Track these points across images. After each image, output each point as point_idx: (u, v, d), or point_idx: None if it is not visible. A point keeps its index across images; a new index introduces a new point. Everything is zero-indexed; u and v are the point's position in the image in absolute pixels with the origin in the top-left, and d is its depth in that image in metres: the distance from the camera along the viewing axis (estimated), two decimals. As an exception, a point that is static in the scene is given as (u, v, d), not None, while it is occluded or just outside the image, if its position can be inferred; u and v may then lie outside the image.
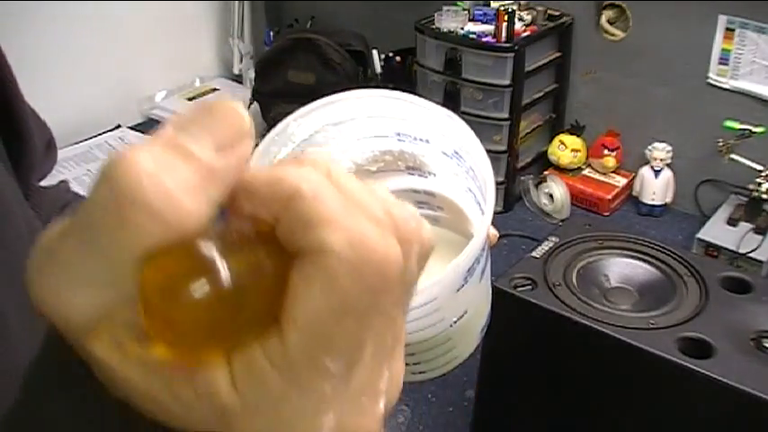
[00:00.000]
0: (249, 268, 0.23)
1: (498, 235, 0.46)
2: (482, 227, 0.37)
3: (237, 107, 0.25)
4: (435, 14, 2.08)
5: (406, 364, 0.43)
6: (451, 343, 0.44)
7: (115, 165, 0.22)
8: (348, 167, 0.43)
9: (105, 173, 0.22)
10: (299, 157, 0.27)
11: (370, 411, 0.25)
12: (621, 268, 1.26)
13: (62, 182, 0.73)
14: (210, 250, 0.22)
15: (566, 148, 2.18)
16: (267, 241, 0.24)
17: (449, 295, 0.38)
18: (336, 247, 0.23)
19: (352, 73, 2.23)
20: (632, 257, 1.26)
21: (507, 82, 1.99)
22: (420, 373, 0.45)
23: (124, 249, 0.22)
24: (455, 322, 0.41)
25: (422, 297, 0.37)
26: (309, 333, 0.23)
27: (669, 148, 2.03)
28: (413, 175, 0.45)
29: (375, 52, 2.31)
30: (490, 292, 0.46)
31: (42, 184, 0.69)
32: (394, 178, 0.45)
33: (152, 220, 0.22)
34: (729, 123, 1.88)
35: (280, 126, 0.41)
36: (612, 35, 2.08)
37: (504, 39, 1.97)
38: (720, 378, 1.00)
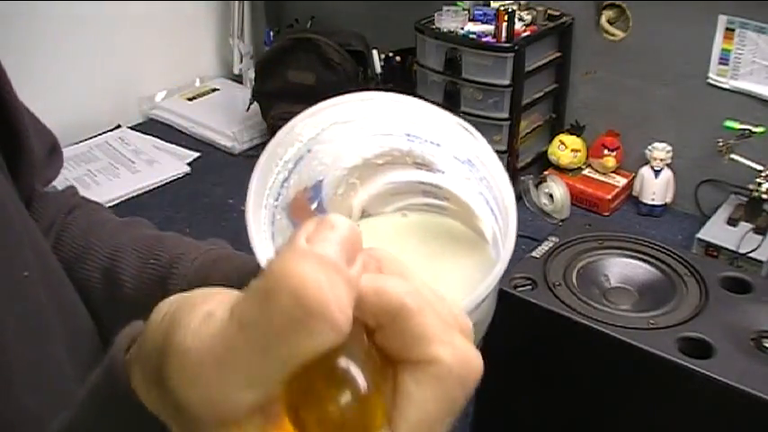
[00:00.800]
0: (373, 376, 0.26)
1: None
2: (505, 255, 0.38)
3: (348, 222, 0.28)
4: (435, 14, 2.08)
5: None
6: None
7: (292, 277, 0.25)
8: (355, 162, 0.43)
9: (282, 284, 0.25)
10: (375, 251, 0.29)
11: None
12: (621, 268, 1.26)
13: (69, 187, 0.73)
14: (348, 363, 0.25)
15: (566, 148, 2.18)
16: (373, 345, 0.27)
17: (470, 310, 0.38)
18: (447, 361, 0.27)
19: (352, 73, 2.23)
20: (632, 257, 1.26)
21: (507, 82, 1.99)
22: None
23: (297, 357, 0.25)
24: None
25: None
26: (418, 430, 0.26)
27: (669, 148, 2.03)
28: (420, 169, 0.44)
29: (375, 52, 2.31)
30: (496, 299, 0.46)
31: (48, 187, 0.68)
32: (400, 171, 0.45)
33: (330, 328, 0.25)
34: (729, 123, 1.88)
35: (286, 128, 0.41)
36: (612, 35, 2.08)
37: (504, 39, 1.97)
38: (720, 378, 1.00)
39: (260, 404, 0.25)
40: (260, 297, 0.25)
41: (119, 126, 2.40)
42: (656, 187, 2.06)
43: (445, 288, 0.37)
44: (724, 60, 1.91)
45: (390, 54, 2.34)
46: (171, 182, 2.14)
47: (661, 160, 2.04)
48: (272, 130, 2.13)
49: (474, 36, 2.01)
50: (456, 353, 0.27)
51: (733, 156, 1.89)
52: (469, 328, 0.29)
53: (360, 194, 0.45)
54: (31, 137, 0.59)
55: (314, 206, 0.44)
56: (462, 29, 2.04)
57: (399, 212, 0.48)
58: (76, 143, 2.22)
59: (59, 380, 0.52)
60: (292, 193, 0.42)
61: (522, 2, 2.10)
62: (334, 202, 0.45)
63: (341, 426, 0.24)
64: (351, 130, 0.40)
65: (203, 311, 0.26)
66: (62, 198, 0.70)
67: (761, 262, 1.74)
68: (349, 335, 0.26)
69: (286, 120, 0.42)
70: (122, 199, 2.04)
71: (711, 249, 1.81)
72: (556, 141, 2.19)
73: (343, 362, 0.25)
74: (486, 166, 0.40)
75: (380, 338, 0.28)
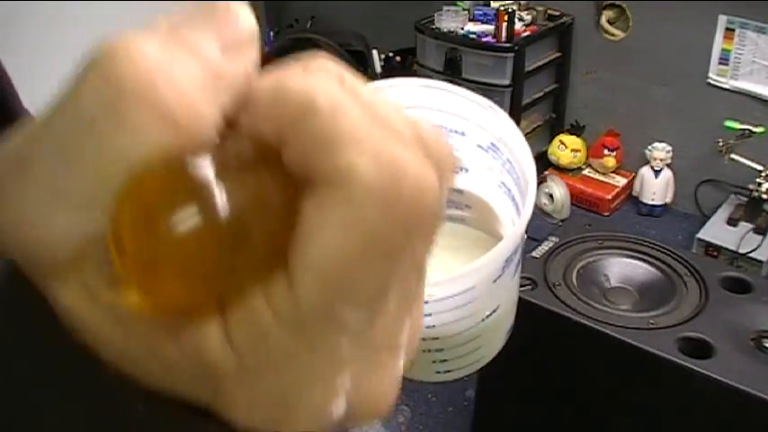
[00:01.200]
0: (251, 198, 0.18)
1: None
2: (523, 217, 0.35)
3: (243, 8, 0.20)
4: (435, 14, 2.08)
5: (433, 362, 0.42)
6: (480, 340, 0.42)
7: (111, 53, 0.18)
8: None
9: (97, 63, 0.18)
10: (306, 60, 0.21)
11: (390, 369, 0.21)
12: (621, 268, 1.25)
13: None
14: (206, 173, 0.18)
15: (566, 148, 2.18)
16: (272, 167, 0.19)
17: (487, 285, 0.36)
18: (362, 170, 0.18)
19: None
20: (632, 257, 1.26)
21: (507, 82, 1.99)
22: (445, 372, 0.43)
23: (120, 159, 0.17)
24: (488, 316, 0.39)
25: (460, 283, 0.35)
26: (326, 278, 0.18)
27: (669, 148, 2.03)
28: None
29: (375, 52, 2.31)
30: (518, 292, 0.45)
31: None
32: None
33: (161, 121, 0.17)
34: (729, 123, 1.88)
35: None
36: (612, 35, 2.08)
37: (504, 39, 1.97)
38: (720, 378, 1.00)
39: (84, 235, 0.18)
40: (75, 89, 0.18)
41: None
42: (656, 187, 2.06)
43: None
44: (724, 60, 1.91)
45: (390, 54, 2.34)
46: (171, 182, 2.14)
47: (661, 160, 2.04)
48: (272, 130, 2.13)
49: (474, 36, 2.01)
50: (381, 161, 0.18)
51: (733, 156, 1.89)
52: (443, 147, 0.20)
53: None
54: None
55: None
56: (462, 29, 2.04)
57: None
58: (76, 143, 2.22)
59: None
60: None
61: (522, 2, 2.10)
62: None
63: (180, 264, 0.17)
64: None
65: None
66: None
67: (761, 262, 1.74)
68: (226, 153, 0.18)
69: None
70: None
71: (711, 249, 1.81)
72: (556, 141, 2.19)
73: (193, 175, 0.17)
74: (509, 146, 0.38)
75: (288, 159, 0.19)
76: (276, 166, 0.19)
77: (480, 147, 0.40)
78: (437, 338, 0.40)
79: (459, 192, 0.44)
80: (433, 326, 0.38)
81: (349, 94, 0.19)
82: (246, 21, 0.20)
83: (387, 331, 0.20)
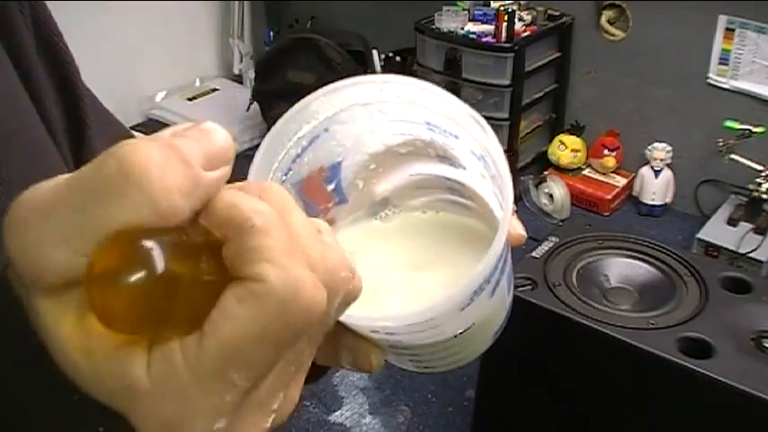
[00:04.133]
0: (188, 271, 0.25)
1: (526, 236, 0.44)
2: (491, 252, 0.35)
3: (226, 135, 0.28)
4: (435, 14, 2.08)
5: (410, 361, 0.42)
6: (456, 348, 0.43)
7: (127, 148, 0.25)
8: (377, 148, 0.43)
9: (116, 152, 0.25)
10: (262, 185, 0.28)
11: (259, 426, 0.27)
12: (621, 268, 1.25)
13: None
14: (156, 247, 0.24)
15: (566, 148, 2.18)
16: (212, 254, 0.26)
17: (450, 315, 0.36)
18: (273, 282, 0.25)
19: (352, 73, 2.22)
20: (632, 257, 1.26)
21: (507, 82, 1.99)
22: (425, 368, 0.45)
23: (110, 222, 0.24)
24: (460, 334, 0.40)
25: (419, 317, 0.35)
26: (225, 347, 0.25)
27: (669, 148, 2.03)
28: (444, 163, 0.43)
29: (375, 52, 2.31)
30: (508, 300, 0.44)
31: None
32: (425, 163, 0.44)
33: (147, 204, 0.24)
34: (729, 123, 1.88)
35: (300, 104, 0.39)
36: (612, 35, 2.08)
37: (504, 39, 1.97)
38: (720, 378, 1.00)
39: (74, 269, 0.24)
40: (95, 162, 0.25)
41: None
42: (656, 187, 2.06)
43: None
44: (724, 60, 1.91)
45: (390, 54, 2.34)
46: (171, 182, 2.14)
47: (661, 160, 2.04)
48: (272, 130, 2.13)
49: (474, 36, 2.01)
50: (287, 278, 0.25)
51: (733, 156, 1.89)
52: (340, 276, 0.28)
53: (383, 183, 0.44)
54: (93, 137, 0.58)
55: (330, 187, 0.43)
56: (462, 29, 2.04)
57: (421, 210, 0.46)
58: (76, 143, 2.22)
59: None
60: (306, 170, 0.41)
61: (522, 2, 2.10)
62: (354, 187, 0.45)
63: (125, 308, 0.24)
64: (370, 112, 0.40)
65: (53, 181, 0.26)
66: None
67: (761, 262, 1.74)
68: (184, 234, 0.25)
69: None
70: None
71: (711, 249, 1.81)
72: (556, 141, 2.19)
73: (153, 245, 0.24)
74: (496, 163, 0.39)
75: (225, 254, 0.26)
76: (217, 256, 0.26)
77: (473, 154, 0.40)
78: (408, 348, 0.41)
79: (462, 185, 0.44)
80: (400, 341, 0.39)
81: (283, 221, 0.26)
82: (226, 145, 0.28)
83: (262, 398, 0.27)
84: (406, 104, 0.40)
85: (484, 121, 0.39)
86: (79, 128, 0.57)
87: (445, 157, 0.42)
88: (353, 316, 0.33)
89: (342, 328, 0.37)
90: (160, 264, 0.24)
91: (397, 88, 0.39)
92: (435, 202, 0.46)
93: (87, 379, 0.25)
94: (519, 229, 0.42)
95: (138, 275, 0.24)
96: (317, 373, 0.40)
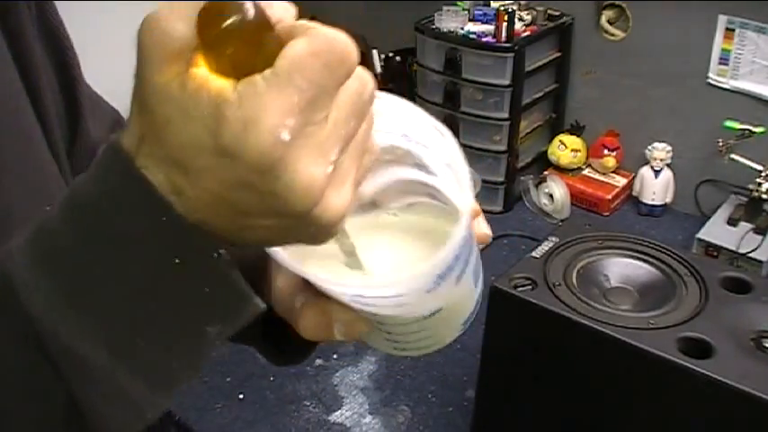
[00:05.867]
0: (269, 32, 0.34)
1: (491, 235, 0.47)
2: (452, 240, 0.39)
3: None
4: (435, 14, 2.08)
5: (386, 340, 0.46)
6: (426, 333, 0.46)
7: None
8: None
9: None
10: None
11: (316, 164, 0.33)
12: (621, 268, 1.26)
13: None
14: (248, 6, 0.33)
15: (566, 148, 2.18)
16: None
17: (419, 294, 0.40)
18: (321, 28, 0.34)
19: (352, 73, 2.23)
20: (632, 257, 1.26)
21: (507, 82, 1.99)
22: (401, 350, 0.48)
23: None
24: (428, 316, 0.44)
25: (388, 290, 0.40)
26: (290, 60, 0.33)
27: (669, 148, 2.03)
28: (422, 170, 0.46)
29: (375, 52, 2.31)
30: (476, 291, 0.47)
31: None
32: (405, 168, 0.47)
33: None
34: (729, 123, 1.88)
35: None
36: (612, 35, 2.08)
37: (504, 39, 1.97)
38: (720, 378, 1.00)
39: (187, 43, 0.33)
40: None
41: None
42: (656, 187, 2.06)
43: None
44: (724, 60, 1.91)
45: (390, 54, 2.34)
46: (171, 182, 2.14)
47: (661, 160, 2.04)
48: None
49: (474, 36, 2.01)
50: (330, 29, 0.34)
51: (733, 156, 1.89)
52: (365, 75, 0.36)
53: (369, 182, 0.46)
54: (87, 120, 0.62)
55: None
56: (462, 29, 2.04)
57: (393, 211, 0.49)
58: (76, 143, 2.22)
59: None
60: None
61: (522, 2, 2.10)
62: None
63: (232, 37, 0.33)
64: None
65: None
66: None
67: (761, 262, 1.74)
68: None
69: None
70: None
71: (711, 249, 1.81)
72: (556, 141, 2.19)
73: (245, 4, 0.33)
74: (458, 168, 0.43)
75: (282, 28, 0.35)
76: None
77: (443, 162, 0.44)
78: (381, 323, 0.45)
79: (437, 190, 0.46)
80: (375, 314, 0.43)
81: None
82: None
83: (322, 140, 0.33)
84: (385, 116, 0.43)
85: (442, 127, 0.43)
86: (75, 111, 0.59)
87: (422, 165, 0.45)
88: (339, 282, 0.40)
89: (336, 306, 0.43)
90: (251, 11, 0.33)
91: (379, 103, 0.41)
92: (417, 205, 0.49)
93: (186, 110, 0.33)
94: (484, 229, 0.46)
95: (235, 17, 0.32)
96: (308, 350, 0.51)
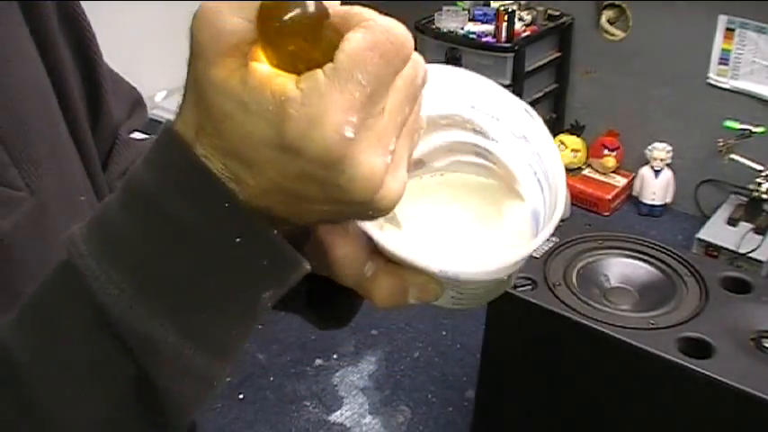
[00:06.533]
0: (327, 25, 0.34)
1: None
2: (546, 230, 0.44)
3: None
4: (435, 14, 2.08)
5: (452, 297, 0.48)
6: (491, 288, 0.50)
7: None
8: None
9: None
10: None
11: (378, 154, 0.35)
12: (621, 268, 1.25)
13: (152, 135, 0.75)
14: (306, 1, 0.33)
15: (566, 148, 2.18)
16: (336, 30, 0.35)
17: (506, 269, 0.44)
18: (379, 18, 0.35)
19: (352, 73, 2.23)
20: (632, 257, 1.26)
21: (507, 82, 1.99)
22: (463, 305, 0.51)
23: None
24: (502, 280, 0.47)
25: (485, 275, 0.44)
26: (350, 55, 0.33)
27: (669, 148, 2.03)
28: (478, 135, 0.49)
29: (375, 52, 2.31)
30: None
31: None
32: (459, 131, 0.50)
33: None
34: (729, 123, 1.88)
35: None
36: (612, 35, 2.08)
37: (504, 39, 1.97)
38: (720, 378, 1.00)
39: (249, 38, 0.33)
40: None
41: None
42: (656, 187, 2.06)
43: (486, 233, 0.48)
44: (724, 60, 1.91)
45: (390, 54, 2.34)
46: (171, 182, 2.14)
47: (661, 160, 2.04)
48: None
49: (474, 36, 2.01)
50: (388, 19, 0.35)
51: (733, 156, 1.89)
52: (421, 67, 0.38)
53: (420, 145, 0.48)
54: (109, 102, 0.63)
55: None
56: (462, 29, 2.04)
57: (447, 171, 0.53)
58: (76, 143, 2.22)
59: None
60: None
61: (522, 2, 2.10)
62: None
63: (288, 40, 0.33)
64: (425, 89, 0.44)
65: None
66: (143, 146, 0.74)
67: (761, 262, 1.74)
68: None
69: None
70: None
71: (711, 249, 1.81)
72: (556, 141, 2.19)
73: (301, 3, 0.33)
74: (540, 143, 0.47)
75: (340, 20, 0.35)
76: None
77: (513, 134, 0.48)
78: (458, 286, 0.47)
79: (489, 152, 0.49)
80: (456, 280, 0.46)
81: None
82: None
83: (381, 131, 0.35)
84: (456, 90, 0.47)
85: (533, 111, 0.47)
86: (96, 93, 0.60)
87: (480, 132, 0.49)
88: (434, 260, 0.42)
89: (410, 270, 0.45)
90: (311, 6, 0.33)
91: (443, 71, 0.46)
92: (458, 163, 0.52)
93: (248, 105, 0.34)
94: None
95: (296, 11, 0.33)
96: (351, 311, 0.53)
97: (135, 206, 0.38)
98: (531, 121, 0.46)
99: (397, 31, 0.35)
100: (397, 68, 0.35)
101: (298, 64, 0.34)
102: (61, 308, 0.38)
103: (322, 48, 0.34)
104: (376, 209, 0.36)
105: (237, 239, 0.37)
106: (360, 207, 0.36)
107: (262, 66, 0.34)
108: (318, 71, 0.33)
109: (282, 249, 0.38)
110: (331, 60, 0.34)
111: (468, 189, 0.52)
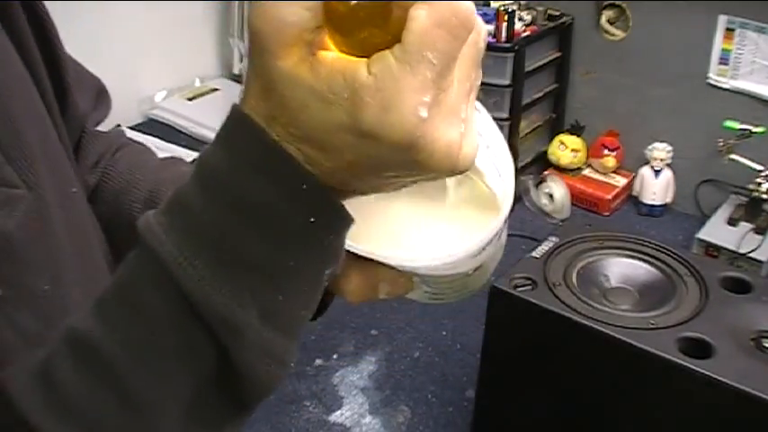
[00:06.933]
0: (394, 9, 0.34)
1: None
2: (501, 216, 0.44)
3: None
4: (435, 14, 2.08)
5: (425, 292, 0.49)
6: (464, 283, 0.51)
7: None
8: None
9: None
10: None
11: (453, 126, 0.35)
12: (621, 268, 1.25)
13: (117, 127, 0.76)
14: None
15: (566, 148, 2.18)
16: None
17: (465, 259, 0.45)
18: (444, 2, 0.34)
19: (352, 73, 2.23)
20: (632, 257, 1.26)
21: (507, 82, 1.99)
22: (439, 300, 0.52)
23: None
24: (470, 273, 0.48)
25: (439, 262, 0.44)
26: (418, 35, 0.33)
27: (669, 148, 2.03)
28: None
29: (375, 52, 2.31)
30: (503, 242, 0.53)
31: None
32: None
33: None
34: (729, 123, 1.88)
35: None
36: (612, 35, 2.08)
37: (504, 39, 1.97)
38: (720, 378, 1.00)
39: (305, 22, 0.33)
40: None
41: (119, 126, 2.39)
42: (656, 187, 2.06)
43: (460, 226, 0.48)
44: (724, 60, 1.91)
45: (390, 54, 2.34)
46: (171, 182, 2.13)
47: (661, 160, 2.04)
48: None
49: (474, 36, 2.01)
50: (453, 3, 0.34)
51: (733, 156, 1.89)
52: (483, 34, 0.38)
53: None
54: (74, 93, 0.63)
55: None
56: (462, 29, 2.04)
57: None
58: (76, 143, 2.22)
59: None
60: None
61: (522, 2, 2.10)
62: None
63: (355, 27, 0.33)
64: None
65: None
66: (110, 138, 0.75)
67: (761, 262, 1.74)
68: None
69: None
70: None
71: (711, 249, 1.81)
72: (556, 141, 2.19)
73: None
74: (490, 135, 0.47)
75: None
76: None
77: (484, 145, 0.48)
78: (426, 281, 0.49)
79: None
80: (422, 275, 0.47)
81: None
82: None
83: (452, 103, 0.35)
84: None
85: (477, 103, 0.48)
86: (62, 85, 0.61)
87: None
88: (395, 257, 0.43)
89: (379, 266, 0.46)
90: None
91: None
92: None
93: (321, 94, 0.34)
94: None
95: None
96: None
97: (212, 191, 0.39)
98: (479, 115, 0.47)
99: (462, 6, 0.35)
100: (463, 42, 0.35)
101: (367, 47, 0.34)
102: (146, 296, 0.39)
103: (389, 27, 0.34)
104: (454, 174, 0.37)
105: (311, 219, 0.38)
106: (439, 175, 0.37)
107: (329, 53, 0.34)
108: (388, 54, 0.34)
109: (349, 225, 0.40)
110: (397, 38, 0.34)
111: (431, 185, 0.53)
